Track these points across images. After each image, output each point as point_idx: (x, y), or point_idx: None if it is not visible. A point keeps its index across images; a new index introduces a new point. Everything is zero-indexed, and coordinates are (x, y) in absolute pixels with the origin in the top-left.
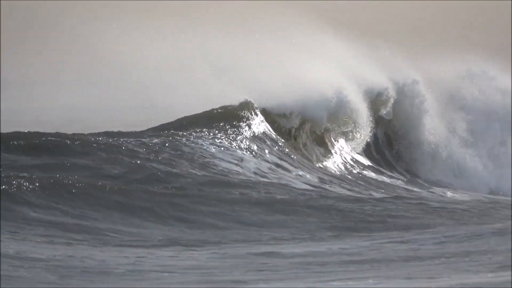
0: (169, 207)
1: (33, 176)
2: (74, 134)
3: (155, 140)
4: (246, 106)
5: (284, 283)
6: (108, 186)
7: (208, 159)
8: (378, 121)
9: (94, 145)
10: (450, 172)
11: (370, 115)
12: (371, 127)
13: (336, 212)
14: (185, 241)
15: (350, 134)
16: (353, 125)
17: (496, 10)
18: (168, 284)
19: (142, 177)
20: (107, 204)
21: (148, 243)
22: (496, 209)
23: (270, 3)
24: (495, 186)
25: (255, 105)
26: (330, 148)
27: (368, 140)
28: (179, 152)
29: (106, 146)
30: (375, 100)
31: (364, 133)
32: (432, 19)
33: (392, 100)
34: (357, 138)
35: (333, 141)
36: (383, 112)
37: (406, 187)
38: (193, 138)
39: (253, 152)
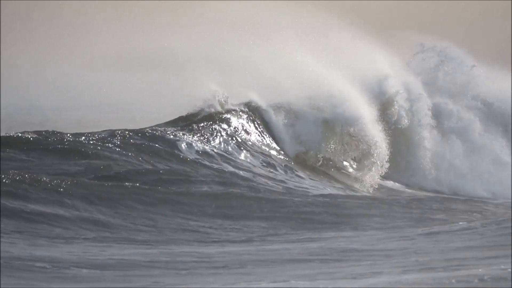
0: (106, 197)
1: None
2: (25, 131)
3: (106, 132)
4: (220, 103)
5: (203, 284)
6: (44, 178)
7: (156, 150)
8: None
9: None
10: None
11: (384, 128)
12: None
13: (266, 202)
14: (114, 236)
15: (366, 161)
16: (362, 144)
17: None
18: (83, 282)
19: (83, 169)
20: (44, 194)
21: (76, 239)
22: (423, 202)
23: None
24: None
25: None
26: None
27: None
28: (128, 145)
29: (51, 140)
30: (384, 104)
31: (380, 157)
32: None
33: (400, 102)
34: (371, 166)
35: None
36: (392, 118)
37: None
38: (148, 132)
39: (209, 142)
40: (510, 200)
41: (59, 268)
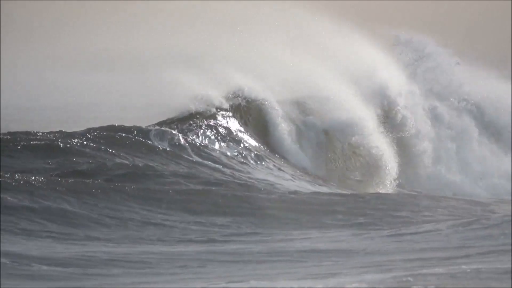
0: (74, 192)
1: None
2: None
3: (81, 131)
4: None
5: (161, 284)
6: (15, 175)
7: (129, 144)
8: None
9: None
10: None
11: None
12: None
13: (232, 198)
14: (79, 232)
15: (373, 180)
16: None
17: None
18: (40, 280)
19: (54, 167)
20: (14, 189)
21: (40, 236)
22: (388, 199)
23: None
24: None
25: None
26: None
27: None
28: (100, 139)
29: (24, 138)
30: (385, 107)
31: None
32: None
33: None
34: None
35: None
36: (396, 122)
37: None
38: (123, 128)
39: (188, 140)
40: (476, 198)
41: (20, 264)
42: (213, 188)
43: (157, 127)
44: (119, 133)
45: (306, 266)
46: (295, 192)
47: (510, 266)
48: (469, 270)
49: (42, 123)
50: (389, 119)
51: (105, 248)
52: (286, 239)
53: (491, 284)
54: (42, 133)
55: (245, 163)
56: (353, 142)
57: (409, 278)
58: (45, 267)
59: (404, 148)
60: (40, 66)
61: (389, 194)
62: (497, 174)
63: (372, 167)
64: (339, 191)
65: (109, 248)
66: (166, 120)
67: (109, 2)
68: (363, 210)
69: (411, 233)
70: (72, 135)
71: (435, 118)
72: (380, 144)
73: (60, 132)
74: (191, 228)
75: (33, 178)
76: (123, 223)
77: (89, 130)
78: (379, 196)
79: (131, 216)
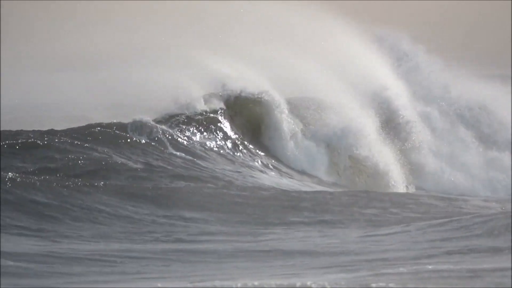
0: (48, 187)
1: None
2: None
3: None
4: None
5: (123, 283)
6: None
7: (108, 139)
8: None
9: None
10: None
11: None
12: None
13: (203, 193)
14: (50, 228)
15: None
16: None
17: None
18: (7, 274)
19: (30, 164)
20: None
21: (10, 233)
22: (355, 195)
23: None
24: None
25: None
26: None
27: None
28: (76, 135)
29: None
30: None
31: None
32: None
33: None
34: None
35: None
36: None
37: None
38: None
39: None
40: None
41: None
42: (184, 184)
43: (136, 119)
44: (98, 128)
45: (271, 266)
46: (265, 188)
47: (473, 266)
48: (433, 270)
49: (22, 121)
50: (391, 122)
51: (73, 245)
52: (251, 239)
53: (453, 284)
54: (21, 131)
55: (223, 156)
56: (355, 155)
57: (372, 277)
58: (10, 263)
59: (404, 152)
60: (26, 66)
61: (358, 191)
62: (495, 174)
63: (378, 186)
64: (311, 184)
65: (76, 245)
66: (160, 117)
67: (97, 2)
68: (330, 207)
69: (377, 234)
70: (50, 132)
71: (427, 120)
72: (385, 156)
73: (38, 130)
74: (159, 225)
75: (10, 174)
76: (93, 219)
77: (69, 129)
78: (347, 192)
79: (101, 211)
